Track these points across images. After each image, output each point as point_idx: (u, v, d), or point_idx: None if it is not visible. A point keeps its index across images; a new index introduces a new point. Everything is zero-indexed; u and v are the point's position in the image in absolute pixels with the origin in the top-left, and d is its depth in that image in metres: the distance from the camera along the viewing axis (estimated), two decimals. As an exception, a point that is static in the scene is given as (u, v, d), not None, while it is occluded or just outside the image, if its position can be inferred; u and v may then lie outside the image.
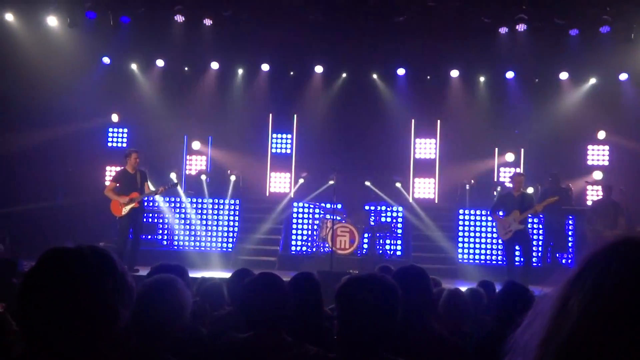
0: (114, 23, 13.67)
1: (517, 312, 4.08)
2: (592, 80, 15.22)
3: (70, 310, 1.70)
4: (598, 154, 15.61)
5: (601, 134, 15.11)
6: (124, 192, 11.39)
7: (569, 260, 13.87)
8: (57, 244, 1.90)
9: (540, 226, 13.80)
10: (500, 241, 12.55)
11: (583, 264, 1.11)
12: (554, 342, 1.07)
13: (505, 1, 12.97)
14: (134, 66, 15.68)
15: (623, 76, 14.83)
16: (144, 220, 12.52)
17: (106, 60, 15.30)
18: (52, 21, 13.64)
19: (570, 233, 13.93)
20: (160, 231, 14.34)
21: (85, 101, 14.70)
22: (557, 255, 13.81)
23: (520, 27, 13.09)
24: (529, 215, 11.45)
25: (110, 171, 15.47)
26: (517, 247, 11.31)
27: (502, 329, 3.93)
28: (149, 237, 13.78)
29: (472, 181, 14.86)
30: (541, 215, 13.17)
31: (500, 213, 11.51)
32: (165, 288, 3.01)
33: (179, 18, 13.55)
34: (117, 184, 11.53)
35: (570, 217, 13.87)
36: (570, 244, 13.91)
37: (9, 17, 13.66)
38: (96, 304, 1.72)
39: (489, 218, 13.86)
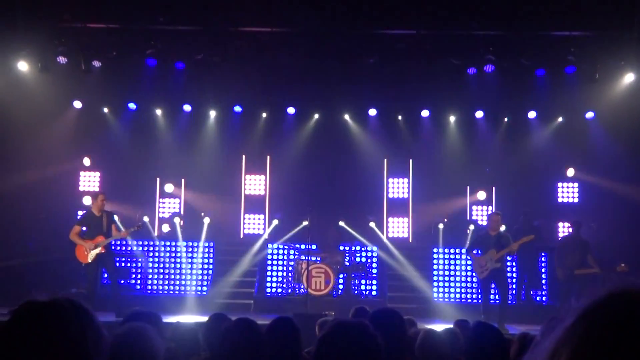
0: (86, 67, 13.67)
1: (487, 353, 4.12)
2: (560, 119, 15.52)
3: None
4: (568, 191, 15.84)
5: (570, 172, 15.31)
6: (90, 235, 11.12)
7: (544, 298, 13.97)
8: (29, 291, 1.88)
9: (514, 264, 13.90)
10: (475, 279, 12.62)
11: (578, 313, 1.07)
12: None
13: (473, 43, 13.22)
14: (105, 110, 15.65)
15: (589, 115, 15.14)
16: (117, 264, 12.31)
17: (77, 104, 15.24)
18: (23, 66, 13.56)
19: (543, 270, 14.06)
20: (133, 275, 14.18)
21: (57, 145, 14.65)
22: (532, 292, 13.91)
23: (488, 68, 13.31)
24: (506, 254, 11.53)
25: (83, 216, 15.36)
26: (492, 286, 11.37)
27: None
28: (122, 281, 13.61)
29: (445, 220, 14.94)
30: (515, 254, 13.25)
31: (476, 252, 11.58)
32: (136, 337, 2.99)
33: (151, 61, 13.60)
34: (83, 227, 11.26)
35: (543, 254, 14.01)
36: (544, 281, 14.03)
37: (-22, 62, 13.59)
38: (75, 358, 1.71)
39: (464, 256, 13.94)
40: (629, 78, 13.67)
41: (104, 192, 11.83)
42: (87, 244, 11.02)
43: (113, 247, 12.14)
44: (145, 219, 14.18)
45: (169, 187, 15.76)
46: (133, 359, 2.91)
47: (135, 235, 13.12)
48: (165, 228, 14.19)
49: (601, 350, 0.99)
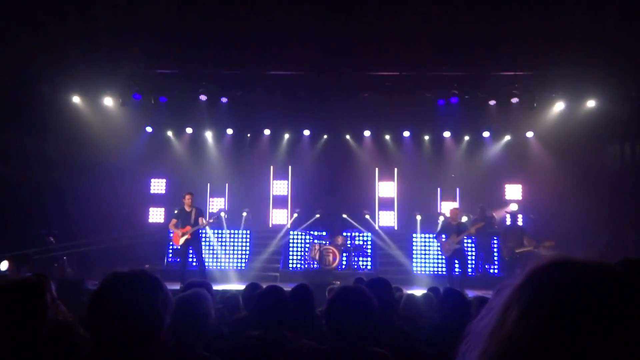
0: (155, 101, 13.74)
1: (454, 311, 4.06)
2: (507, 137, 15.46)
3: (130, 320, 1.70)
4: (513, 191, 15.74)
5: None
6: (182, 225, 11.00)
7: (495, 270, 13.87)
8: (113, 267, 1.89)
9: (473, 245, 13.83)
10: (442, 257, 12.56)
11: (526, 277, 1.01)
12: (498, 337, 0.99)
13: (442, 81, 13.20)
14: (169, 133, 15.75)
15: (529, 134, 15.08)
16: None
17: (149, 129, 15.36)
18: (108, 101, 13.66)
19: (495, 250, 13.97)
20: (190, 255, 14.15)
21: (133, 160, 14.71)
22: (486, 266, 13.82)
23: (453, 100, 13.28)
24: (465, 237, 11.49)
25: (153, 212, 15.45)
26: (455, 261, 11.31)
27: (444, 323, 3.93)
28: (179, 260, 13.56)
29: (418, 215, 14.74)
30: (473, 237, 13.19)
31: (443, 237, 11.51)
32: (196, 299, 3.00)
33: (203, 97, 13.65)
34: (177, 220, 11.09)
35: (495, 238, 13.92)
36: (495, 258, 13.94)
37: (76, 99, 13.69)
38: (149, 314, 1.73)
39: (434, 241, 13.85)
40: (559, 106, 13.63)
41: (190, 191, 11.32)
42: (179, 231, 10.94)
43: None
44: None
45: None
46: (194, 315, 2.91)
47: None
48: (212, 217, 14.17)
49: (546, 308, 0.95)
